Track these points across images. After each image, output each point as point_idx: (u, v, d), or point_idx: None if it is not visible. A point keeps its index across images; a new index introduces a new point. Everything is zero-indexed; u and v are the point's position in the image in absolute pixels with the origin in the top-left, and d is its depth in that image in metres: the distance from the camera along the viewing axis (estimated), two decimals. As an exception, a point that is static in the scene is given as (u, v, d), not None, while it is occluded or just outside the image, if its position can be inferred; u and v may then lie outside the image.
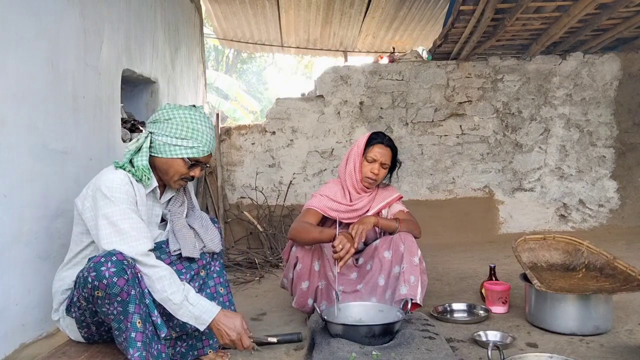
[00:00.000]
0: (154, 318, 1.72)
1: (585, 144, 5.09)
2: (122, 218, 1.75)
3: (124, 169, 1.84)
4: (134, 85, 3.67)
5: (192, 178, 1.96)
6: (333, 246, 2.15)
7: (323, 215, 2.51)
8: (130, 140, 3.22)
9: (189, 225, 2.00)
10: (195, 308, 1.78)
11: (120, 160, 1.89)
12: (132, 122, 3.37)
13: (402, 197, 2.66)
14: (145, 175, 1.85)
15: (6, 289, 1.97)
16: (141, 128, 3.40)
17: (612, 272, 2.43)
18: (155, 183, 1.93)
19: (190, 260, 1.98)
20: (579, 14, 3.81)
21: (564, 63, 5.06)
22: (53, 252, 2.25)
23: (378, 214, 2.55)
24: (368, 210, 2.54)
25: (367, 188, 2.55)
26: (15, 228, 2.02)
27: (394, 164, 2.59)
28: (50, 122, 2.26)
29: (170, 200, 2.03)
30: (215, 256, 2.09)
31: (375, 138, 2.53)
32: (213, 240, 2.03)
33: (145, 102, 3.81)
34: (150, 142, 1.89)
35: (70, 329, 1.91)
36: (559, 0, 3.76)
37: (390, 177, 2.64)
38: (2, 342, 1.95)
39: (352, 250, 2.15)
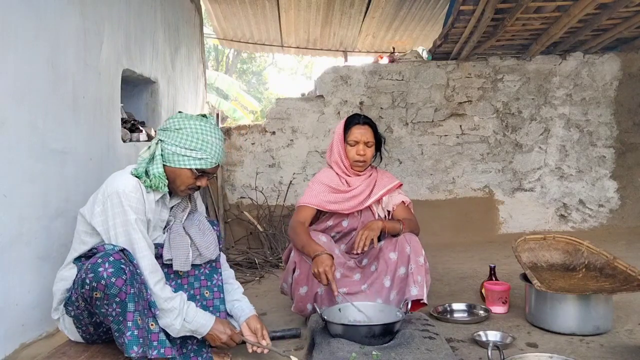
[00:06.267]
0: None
1: (585, 144, 5.08)
2: (135, 229, 1.81)
3: (140, 178, 1.86)
4: (134, 85, 3.66)
5: (199, 188, 1.98)
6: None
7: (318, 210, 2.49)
8: (131, 140, 3.22)
9: (185, 231, 1.98)
10: (191, 325, 1.85)
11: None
12: (132, 122, 3.37)
13: (402, 185, 2.67)
14: (162, 182, 1.88)
15: (6, 289, 1.97)
16: (141, 128, 3.40)
17: (612, 272, 2.43)
18: (165, 190, 1.94)
19: None
20: (579, 14, 3.81)
21: (564, 63, 5.05)
22: (53, 252, 2.25)
23: (378, 201, 2.56)
24: (369, 196, 2.53)
25: (360, 170, 2.55)
26: (15, 228, 2.02)
27: (378, 141, 2.58)
28: (50, 122, 2.26)
29: (175, 205, 2.03)
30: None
31: (352, 120, 2.55)
32: (208, 247, 2.00)
33: (145, 102, 3.81)
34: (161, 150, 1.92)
35: (69, 330, 1.92)
36: (559, 0, 3.76)
37: (380, 154, 2.64)
38: (2, 342, 1.95)
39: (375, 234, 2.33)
